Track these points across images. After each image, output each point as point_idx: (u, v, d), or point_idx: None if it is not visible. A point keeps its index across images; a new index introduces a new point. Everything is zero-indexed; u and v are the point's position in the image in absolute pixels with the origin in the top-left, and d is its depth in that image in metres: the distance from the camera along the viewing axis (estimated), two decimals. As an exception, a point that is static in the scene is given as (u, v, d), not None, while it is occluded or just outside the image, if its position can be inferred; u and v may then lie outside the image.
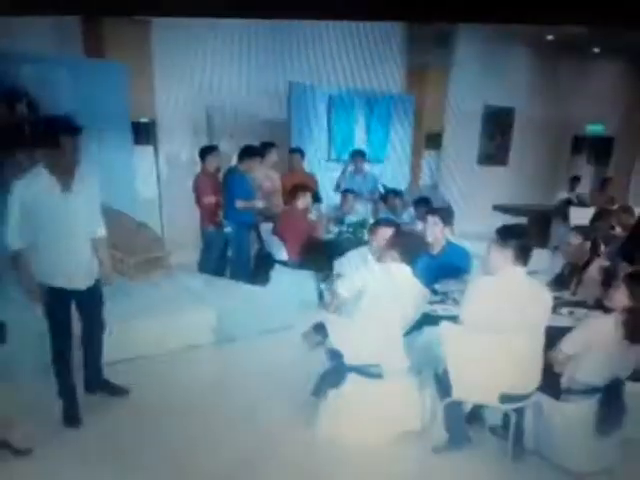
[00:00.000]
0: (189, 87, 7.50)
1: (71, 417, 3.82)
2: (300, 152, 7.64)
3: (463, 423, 3.68)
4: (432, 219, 4.62)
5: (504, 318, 3.29)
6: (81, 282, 3.78)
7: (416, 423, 3.77)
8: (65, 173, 3.57)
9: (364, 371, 3.69)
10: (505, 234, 3.45)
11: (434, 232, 4.60)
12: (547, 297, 3.43)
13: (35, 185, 3.52)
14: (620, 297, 3.41)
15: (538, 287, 3.49)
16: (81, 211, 3.69)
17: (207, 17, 6.02)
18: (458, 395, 3.47)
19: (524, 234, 3.55)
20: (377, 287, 3.71)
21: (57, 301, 3.66)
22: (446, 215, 4.72)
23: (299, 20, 7.58)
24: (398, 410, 3.74)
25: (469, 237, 5.80)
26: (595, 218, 6.38)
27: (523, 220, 8.65)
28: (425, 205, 6.34)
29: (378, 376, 3.69)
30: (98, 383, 4.16)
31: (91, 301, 3.92)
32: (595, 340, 3.35)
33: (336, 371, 3.79)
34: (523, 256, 3.40)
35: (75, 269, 3.73)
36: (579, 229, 4.93)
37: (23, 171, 3.62)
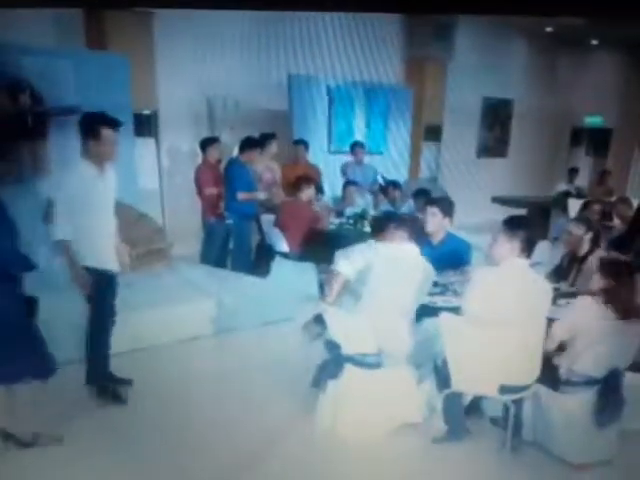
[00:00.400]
0: (190, 79, 7.49)
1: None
2: (304, 143, 7.67)
3: (462, 415, 3.70)
4: (431, 209, 4.60)
5: (506, 309, 3.31)
6: (114, 266, 4.05)
7: (416, 415, 3.78)
8: (101, 163, 3.86)
9: (362, 361, 3.70)
10: (513, 225, 3.47)
11: (433, 222, 4.59)
12: (547, 288, 3.47)
13: (77, 174, 3.79)
14: (596, 279, 3.51)
15: (539, 278, 3.52)
16: (108, 199, 3.98)
17: (208, 9, 6.03)
18: (457, 387, 3.49)
19: (531, 225, 3.59)
20: (385, 266, 3.71)
21: (102, 284, 3.90)
22: (446, 206, 4.70)
23: (299, 12, 7.58)
24: (398, 401, 3.75)
25: (468, 229, 5.82)
26: (582, 209, 6.39)
27: (522, 212, 8.66)
28: (424, 197, 6.34)
29: (377, 366, 3.69)
30: (104, 375, 4.19)
31: (114, 288, 4.11)
32: (583, 323, 3.40)
33: (334, 362, 3.80)
34: (528, 247, 3.43)
35: (110, 253, 4.02)
36: (581, 219, 4.93)
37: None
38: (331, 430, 3.71)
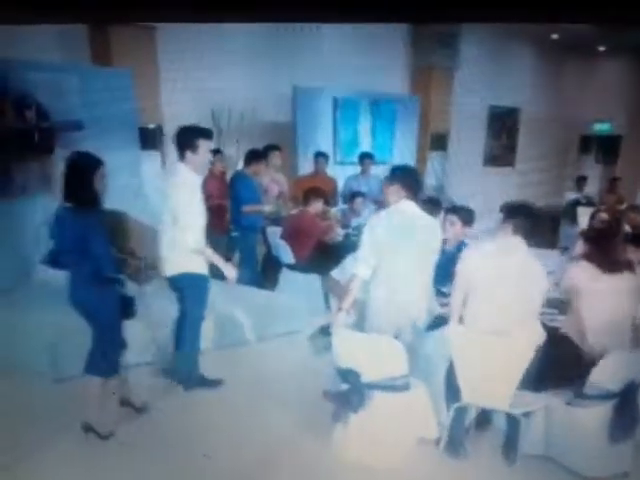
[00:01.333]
0: (195, 92, 7.49)
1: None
2: (324, 156, 7.71)
3: (464, 432, 3.63)
4: (450, 218, 4.65)
5: (503, 294, 3.41)
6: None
7: (433, 430, 3.60)
8: (198, 171, 4.17)
9: (391, 386, 3.45)
10: (509, 211, 3.56)
11: (452, 231, 4.61)
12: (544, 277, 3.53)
13: (182, 179, 4.08)
14: (579, 245, 3.99)
15: (537, 266, 3.54)
16: None
17: (211, 22, 6.04)
18: (467, 399, 3.46)
19: (528, 211, 3.64)
20: (392, 232, 3.67)
21: None
22: (465, 215, 4.72)
23: (303, 23, 7.59)
24: (417, 419, 3.58)
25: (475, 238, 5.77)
26: (591, 217, 6.36)
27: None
28: (434, 205, 6.28)
29: (405, 388, 3.47)
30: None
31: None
32: (577, 281, 3.68)
33: (355, 393, 3.48)
34: (529, 233, 3.51)
35: None
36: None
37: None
38: (358, 460, 3.51)
